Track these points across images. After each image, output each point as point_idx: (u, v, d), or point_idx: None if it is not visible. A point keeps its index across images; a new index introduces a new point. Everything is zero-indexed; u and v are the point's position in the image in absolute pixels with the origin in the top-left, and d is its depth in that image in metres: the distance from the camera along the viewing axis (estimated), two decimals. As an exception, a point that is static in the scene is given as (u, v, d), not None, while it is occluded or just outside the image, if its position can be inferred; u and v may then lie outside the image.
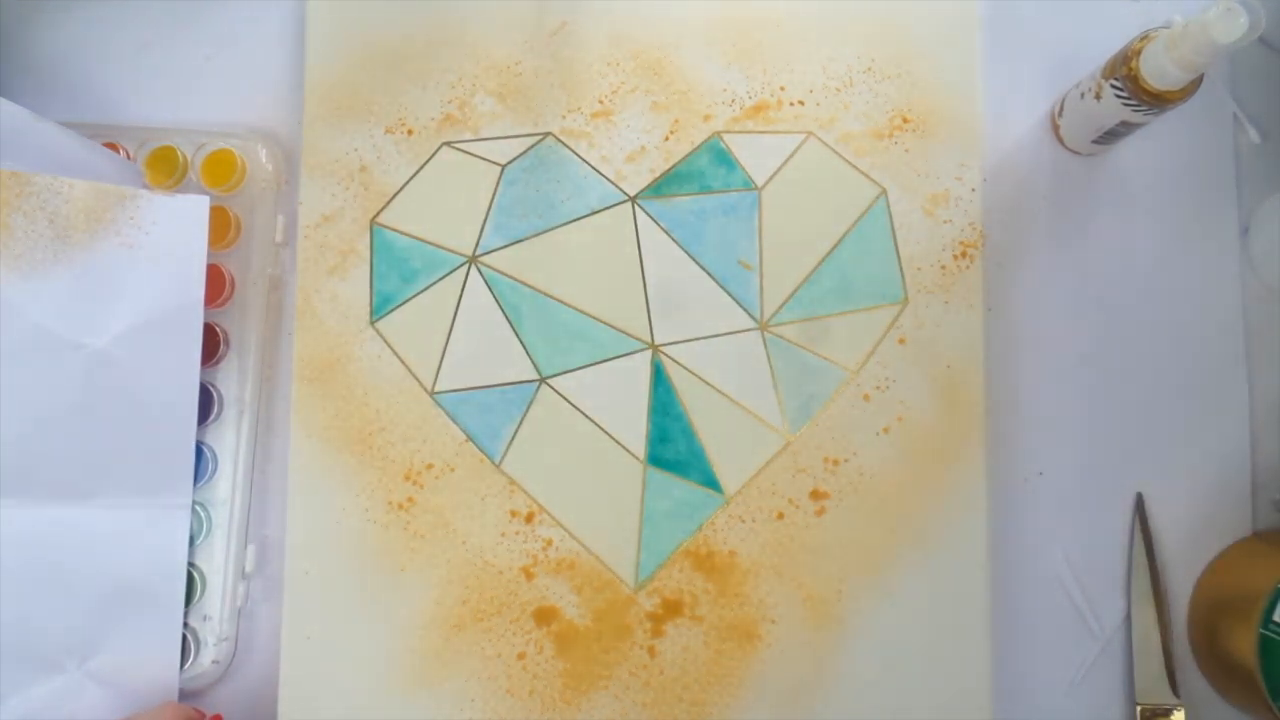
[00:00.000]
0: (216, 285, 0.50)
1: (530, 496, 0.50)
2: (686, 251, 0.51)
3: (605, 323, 0.51)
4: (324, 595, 0.49)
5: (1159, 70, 0.43)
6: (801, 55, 0.52)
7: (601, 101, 0.52)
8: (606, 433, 0.50)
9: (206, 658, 0.49)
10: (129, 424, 0.48)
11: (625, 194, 0.51)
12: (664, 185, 0.51)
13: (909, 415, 0.50)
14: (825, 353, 0.50)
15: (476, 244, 0.51)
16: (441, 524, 0.50)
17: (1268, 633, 0.45)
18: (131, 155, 0.51)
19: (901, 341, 0.50)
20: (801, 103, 0.52)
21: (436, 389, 0.50)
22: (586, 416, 0.50)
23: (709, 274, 0.51)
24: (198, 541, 0.49)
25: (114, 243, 0.47)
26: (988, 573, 0.49)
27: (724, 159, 0.51)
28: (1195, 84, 0.44)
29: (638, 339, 0.51)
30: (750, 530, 0.49)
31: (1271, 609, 0.45)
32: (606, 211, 0.51)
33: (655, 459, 0.50)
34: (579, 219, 0.51)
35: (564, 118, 0.52)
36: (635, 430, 0.50)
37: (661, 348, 0.51)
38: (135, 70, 0.53)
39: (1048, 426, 0.51)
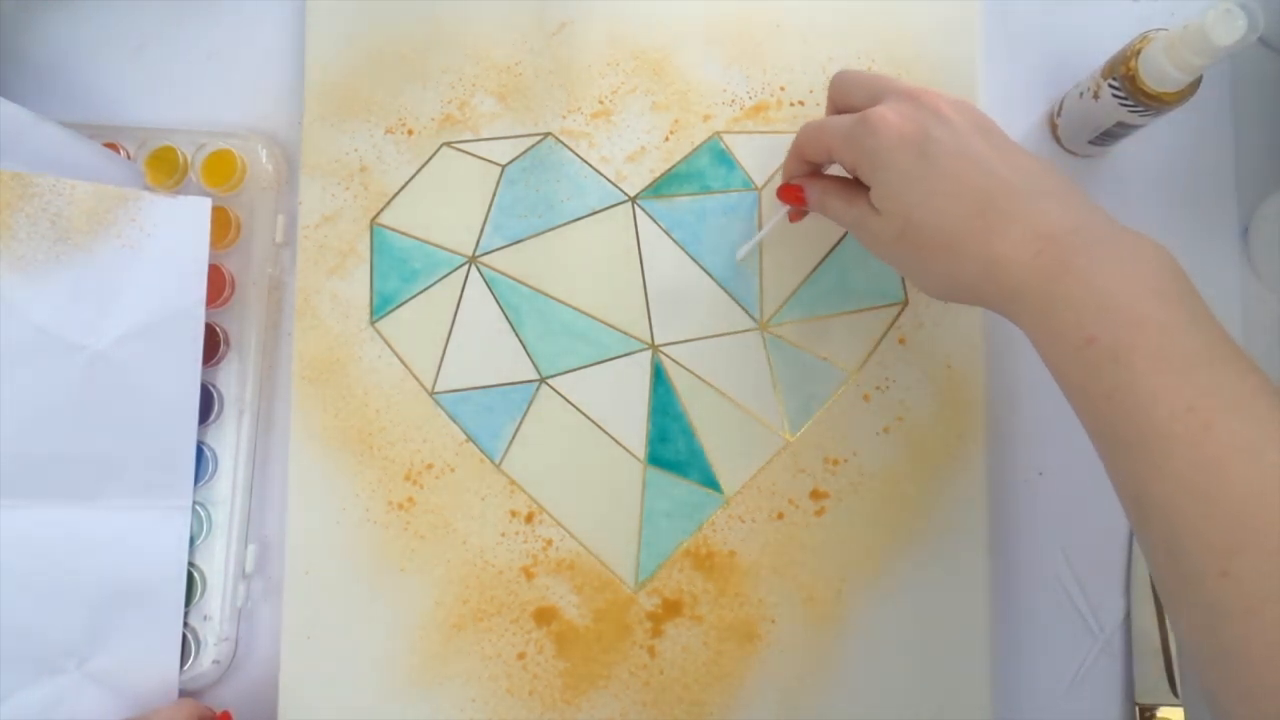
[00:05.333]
0: (216, 285, 0.50)
1: (530, 496, 0.50)
2: (686, 251, 0.51)
3: (605, 323, 0.51)
4: (324, 595, 0.49)
5: (1157, 71, 0.43)
6: (801, 55, 0.52)
7: (601, 101, 0.52)
8: (606, 433, 0.50)
9: (207, 658, 0.49)
10: (130, 425, 0.48)
11: (625, 194, 0.51)
12: (664, 185, 0.51)
13: (909, 415, 0.50)
14: (825, 353, 0.50)
15: (476, 244, 0.51)
16: (441, 524, 0.50)
17: (1267, 632, 0.45)
18: (131, 155, 0.51)
19: (901, 341, 0.50)
20: (801, 103, 0.52)
21: (436, 389, 0.51)
22: (586, 416, 0.50)
23: (709, 274, 0.51)
24: (198, 541, 0.50)
25: (115, 244, 0.47)
26: (988, 573, 0.49)
27: (724, 159, 0.51)
28: (1193, 87, 0.44)
29: (638, 339, 0.51)
30: (750, 530, 0.49)
31: (1271, 609, 0.45)
32: (606, 211, 0.51)
33: (655, 459, 0.50)
34: (579, 219, 0.51)
35: (564, 118, 0.52)
36: (635, 430, 0.50)
37: (661, 348, 0.51)
38: (135, 70, 0.54)
39: (1048, 426, 0.51)
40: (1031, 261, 0.35)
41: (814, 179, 0.45)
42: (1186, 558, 0.31)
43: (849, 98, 0.43)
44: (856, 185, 0.42)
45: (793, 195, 0.46)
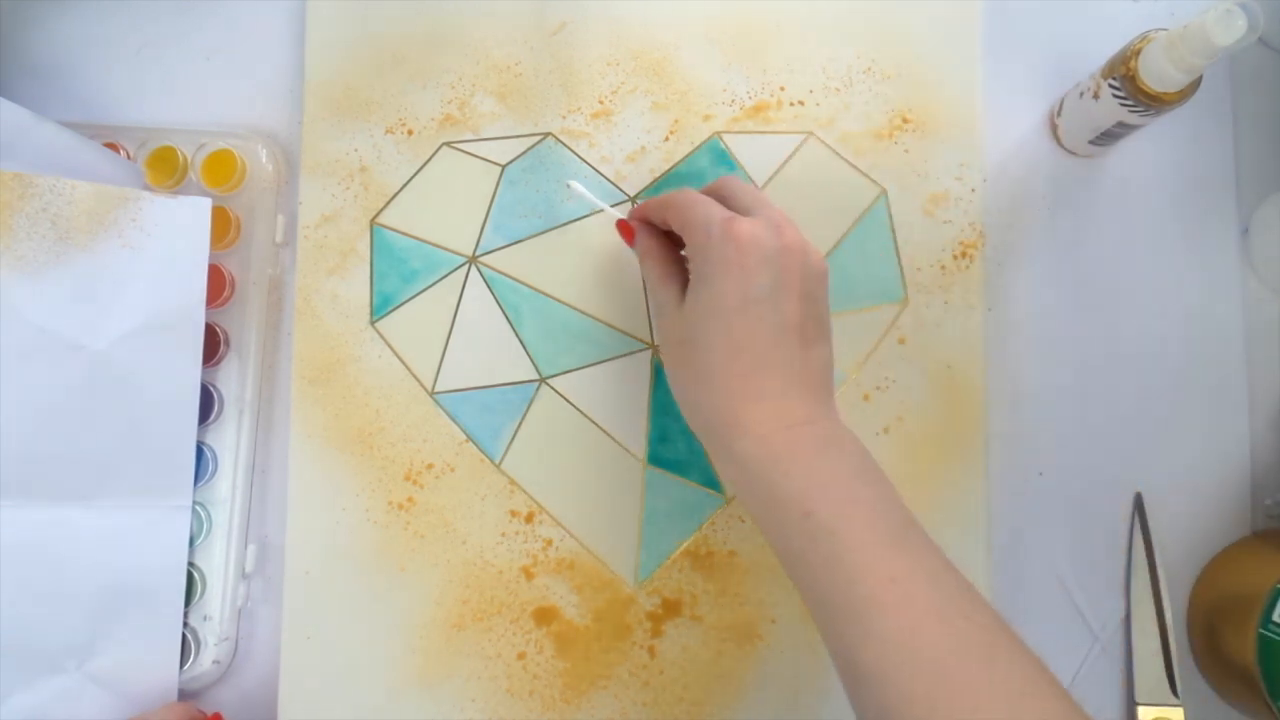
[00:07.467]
0: (216, 285, 0.50)
1: (530, 496, 0.50)
2: (686, 252, 0.51)
3: (605, 323, 0.51)
4: (324, 595, 0.49)
5: (1157, 71, 0.43)
6: (801, 55, 0.52)
7: (601, 101, 0.52)
8: (606, 433, 0.50)
9: (207, 658, 0.49)
10: (130, 425, 0.48)
11: (626, 194, 0.51)
12: (664, 185, 0.51)
13: (909, 415, 0.50)
14: (825, 353, 0.50)
15: (476, 244, 0.51)
16: (441, 524, 0.50)
17: (1267, 633, 0.45)
18: (131, 155, 0.51)
19: (901, 341, 0.50)
20: (801, 103, 0.52)
21: (436, 389, 0.51)
22: (586, 416, 0.50)
23: (709, 274, 0.51)
24: (198, 541, 0.50)
25: (116, 244, 0.47)
26: (988, 573, 0.49)
27: (724, 159, 0.51)
28: (1193, 87, 0.44)
29: (638, 339, 0.51)
30: (750, 530, 0.49)
31: (1271, 609, 0.45)
32: (607, 212, 0.51)
33: (655, 459, 0.50)
34: (579, 219, 0.51)
35: (564, 118, 0.52)
36: (635, 430, 0.50)
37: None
38: (135, 70, 0.54)
39: (1048, 426, 0.51)
40: (767, 437, 0.39)
41: (652, 231, 0.46)
42: (893, 713, 0.34)
43: (732, 197, 0.44)
44: (679, 266, 0.44)
45: (626, 232, 0.47)
